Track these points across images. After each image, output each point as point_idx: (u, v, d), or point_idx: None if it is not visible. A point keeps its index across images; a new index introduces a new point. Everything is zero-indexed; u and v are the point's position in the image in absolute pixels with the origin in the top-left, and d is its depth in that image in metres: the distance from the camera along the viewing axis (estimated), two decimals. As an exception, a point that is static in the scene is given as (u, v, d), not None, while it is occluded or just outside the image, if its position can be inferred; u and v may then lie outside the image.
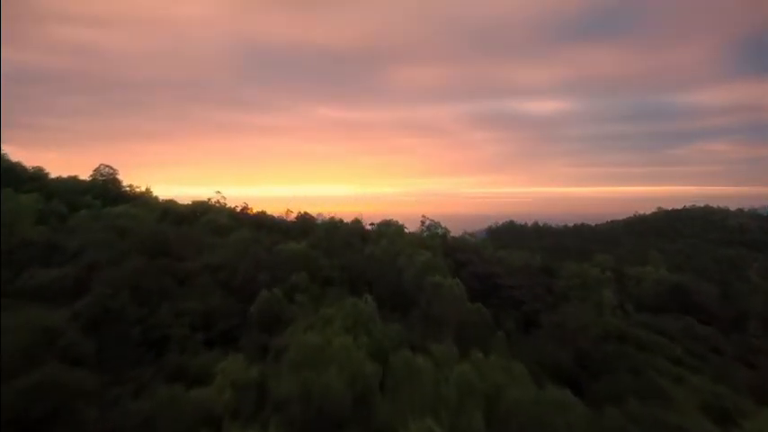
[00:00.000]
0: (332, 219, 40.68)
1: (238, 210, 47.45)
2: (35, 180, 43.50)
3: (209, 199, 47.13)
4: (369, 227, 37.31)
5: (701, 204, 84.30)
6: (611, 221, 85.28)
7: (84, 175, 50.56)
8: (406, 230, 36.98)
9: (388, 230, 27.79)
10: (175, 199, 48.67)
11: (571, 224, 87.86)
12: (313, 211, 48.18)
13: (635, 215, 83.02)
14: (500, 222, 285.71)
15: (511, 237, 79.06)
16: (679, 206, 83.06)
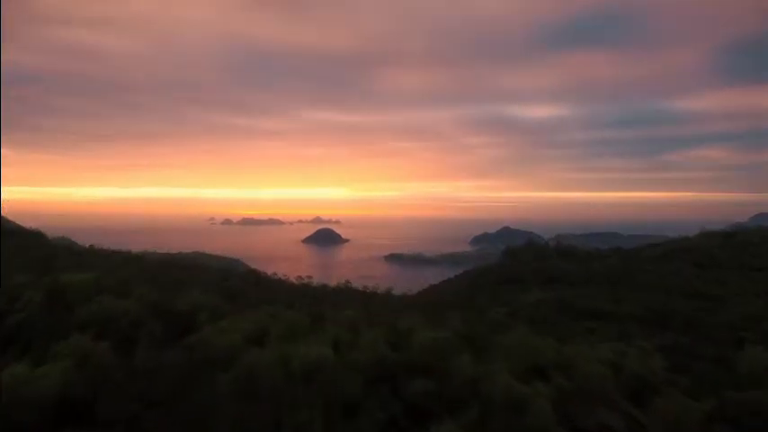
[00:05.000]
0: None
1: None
2: None
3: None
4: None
5: (752, 225, 73.14)
6: (650, 245, 73.28)
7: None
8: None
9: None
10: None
11: (603, 245, 75.22)
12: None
13: (678, 238, 71.37)
14: (496, 229, 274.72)
15: (532, 257, 66.76)
16: (727, 227, 71.89)
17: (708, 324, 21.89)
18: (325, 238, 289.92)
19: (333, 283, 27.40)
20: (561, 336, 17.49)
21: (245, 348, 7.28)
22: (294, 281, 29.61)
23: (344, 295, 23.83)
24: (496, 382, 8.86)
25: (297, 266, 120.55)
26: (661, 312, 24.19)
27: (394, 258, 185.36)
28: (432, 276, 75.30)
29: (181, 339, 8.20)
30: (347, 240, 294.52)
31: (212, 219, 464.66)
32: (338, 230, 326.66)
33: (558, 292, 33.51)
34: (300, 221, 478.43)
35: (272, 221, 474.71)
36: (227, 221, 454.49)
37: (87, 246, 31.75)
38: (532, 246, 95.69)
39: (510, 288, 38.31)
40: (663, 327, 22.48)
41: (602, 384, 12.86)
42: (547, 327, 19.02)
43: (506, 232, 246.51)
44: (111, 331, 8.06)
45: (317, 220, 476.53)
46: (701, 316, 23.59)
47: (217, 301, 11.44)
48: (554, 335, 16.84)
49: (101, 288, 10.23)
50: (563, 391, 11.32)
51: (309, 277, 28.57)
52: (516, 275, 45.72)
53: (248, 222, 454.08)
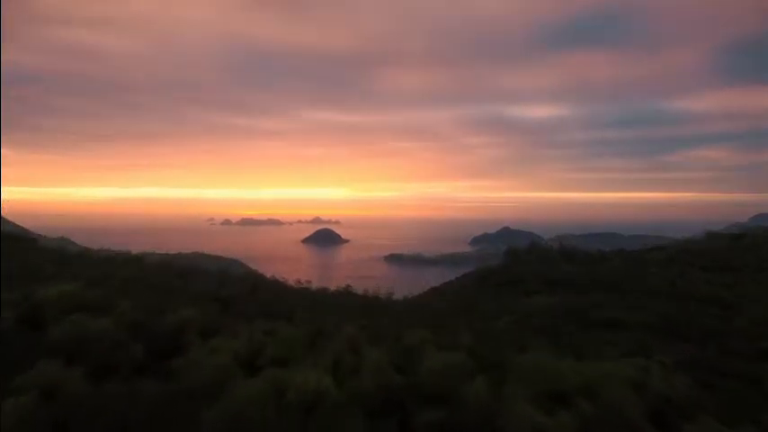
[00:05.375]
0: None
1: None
2: None
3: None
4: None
5: (752, 225, 72.69)
6: (654, 247, 72.46)
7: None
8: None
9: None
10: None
11: (603, 246, 74.10)
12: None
13: (683, 240, 70.53)
14: (496, 229, 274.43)
15: (534, 259, 65.60)
16: (727, 227, 70.96)
17: (725, 333, 21.00)
18: (324, 238, 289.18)
19: (333, 284, 26.80)
20: (576, 349, 16.73)
21: (235, 375, 6.53)
22: (293, 284, 29.06)
23: (344, 299, 23.10)
24: (514, 411, 8.13)
25: (296, 267, 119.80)
26: (674, 320, 23.26)
27: (394, 259, 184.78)
28: (432, 277, 74.71)
29: (164, 363, 7.44)
30: (347, 241, 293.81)
31: (212, 219, 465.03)
32: (338, 231, 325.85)
33: (563, 297, 32.65)
34: (300, 222, 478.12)
35: (271, 222, 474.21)
36: (227, 222, 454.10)
37: (84, 248, 31.01)
38: (534, 247, 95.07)
39: (513, 292, 37.49)
40: (678, 336, 21.46)
41: (627, 409, 12.05)
42: (559, 338, 18.30)
43: (506, 233, 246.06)
44: (87, 355, 7.29)
45: (317, 220, 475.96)
46: (716, 324, 22.69)
47: (208, 313, 10.71)
48: (568, 348, 16.09)
49: (81, 303, 9.46)
50: (585, 418, 10.53)
51: (309, 281, 27.97)
52: (519, 278, 44.89)
53: (248, 223, 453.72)
